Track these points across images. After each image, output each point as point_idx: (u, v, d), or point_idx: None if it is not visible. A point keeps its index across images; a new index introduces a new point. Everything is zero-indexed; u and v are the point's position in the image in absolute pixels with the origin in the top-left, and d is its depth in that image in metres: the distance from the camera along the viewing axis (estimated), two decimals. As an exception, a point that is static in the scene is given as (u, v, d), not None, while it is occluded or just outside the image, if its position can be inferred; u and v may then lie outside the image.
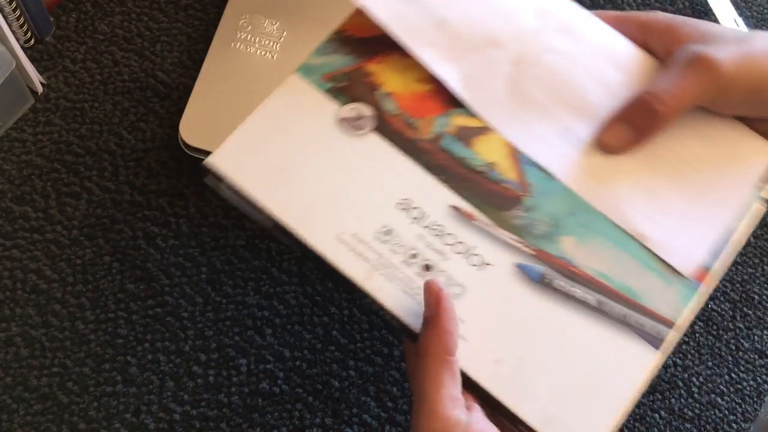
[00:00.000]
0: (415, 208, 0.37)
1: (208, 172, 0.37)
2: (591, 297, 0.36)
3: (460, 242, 0.37)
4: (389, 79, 0.40)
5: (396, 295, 0.36)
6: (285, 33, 0.53)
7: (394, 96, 0.40)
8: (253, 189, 0.37)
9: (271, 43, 0.53)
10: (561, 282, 0.36)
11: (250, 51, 0.52)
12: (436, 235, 0.37)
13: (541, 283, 0.36)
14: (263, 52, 0.52)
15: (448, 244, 0.37)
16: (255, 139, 0.38)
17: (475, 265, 0.36)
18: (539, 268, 0.37)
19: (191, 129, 0.50)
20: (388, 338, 0.49)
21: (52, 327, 0.48)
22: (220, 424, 0.47)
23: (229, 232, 0.51)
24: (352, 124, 0.39)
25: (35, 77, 0.53)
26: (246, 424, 0.47)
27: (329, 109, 0.39)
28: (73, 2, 0.56)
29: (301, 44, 0.53)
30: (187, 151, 0.50)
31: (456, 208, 0.37)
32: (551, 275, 0.37)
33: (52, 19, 0.55)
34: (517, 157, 0.39)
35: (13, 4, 0.50)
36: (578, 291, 0.36)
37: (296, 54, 0.52)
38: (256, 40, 0.53)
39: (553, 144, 0.39)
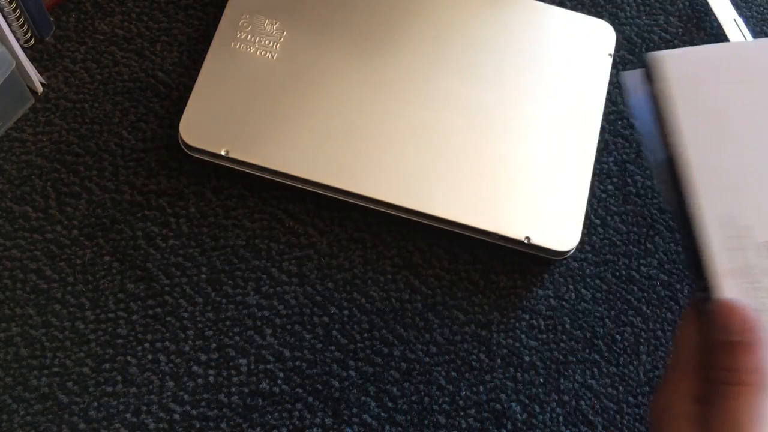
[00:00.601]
0: None
1: (643, 64, 0.33)
2: None
3: None
4: None
5: None
6: (285, 33, 0.53)
7: None
8: (683, 111, 0.32)
9: (271, 43, 0.53)
10: None
11: (250, 51, 0.52)
12: None
13: None
14: (263, 52, 0.52)
15: None
16: (712, 65, 0.33)
17: None
18: None
19: (191, 129, 0.50)
20: (388, 338, 0.49)
21: (52, 327, 0.48)
22: (220, 424, 0.47)
23: (229, 232, 0.51)
24: None
25: (35, 77, 0.53)
26: (246, 424, 0.47)
27: None
28: (73, 2, 0.56)
29: (301, 44, 0.53)
30: (187, 151, 0.50)
31: None
32: None
33: (52, 19, 0.55)
34: None
35: (13, 4, 0.50)
36: None
37: (296, 54, 0.53)
38: (256, 40, 0.53)
39: None
